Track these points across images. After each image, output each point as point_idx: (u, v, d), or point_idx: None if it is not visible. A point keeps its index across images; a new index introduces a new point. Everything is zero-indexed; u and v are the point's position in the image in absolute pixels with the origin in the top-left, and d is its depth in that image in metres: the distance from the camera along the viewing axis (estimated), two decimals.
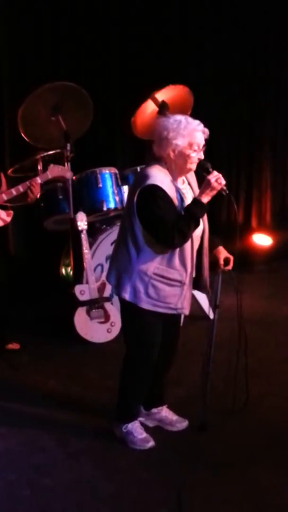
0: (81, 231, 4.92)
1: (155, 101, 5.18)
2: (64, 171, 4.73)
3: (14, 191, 4.46)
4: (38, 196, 4.68)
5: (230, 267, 3.50)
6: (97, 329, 4.88)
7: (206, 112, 6.36)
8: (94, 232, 5.22)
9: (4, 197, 4.45)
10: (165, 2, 6.20)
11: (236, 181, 6.79)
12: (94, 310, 4.89)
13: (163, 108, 5.12)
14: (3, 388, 4.26)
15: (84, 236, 4.93)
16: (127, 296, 3.33)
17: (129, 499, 3.11)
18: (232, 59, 6.51)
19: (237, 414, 3.81)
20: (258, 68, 6.64)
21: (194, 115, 5.14)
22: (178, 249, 3.27)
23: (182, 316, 5.05)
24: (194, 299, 4.57)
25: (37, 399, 4.11)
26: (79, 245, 4.97)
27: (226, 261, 3.48)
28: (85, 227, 4.94)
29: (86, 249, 4.94)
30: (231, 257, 3.51)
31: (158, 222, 3.18)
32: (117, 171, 5.20)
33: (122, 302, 3.41)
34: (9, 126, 5.50)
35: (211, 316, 5.04)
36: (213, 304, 3.65)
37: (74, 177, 5.10)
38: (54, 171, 4.63)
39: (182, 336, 4.73)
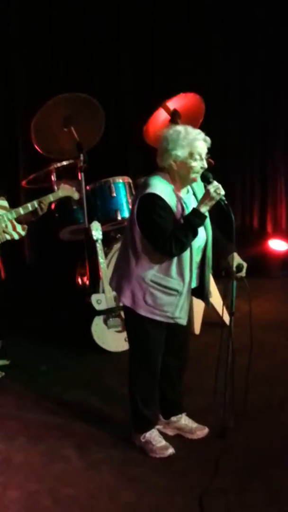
0: (96, 240, 4.94)
1: (166, 109, 5.20)
2: (73, 191, 4.74)
3: (30, 207, 4.43)
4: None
5: (243, 273, 3.48)
6: (114, 338, 4.89)
7: (218, 119, 6.40)
8: (109, 241, 5.24)
9: (21, 211, 4.42)
10: (176, 12, 6.24)
11: (251, 187, 6.79)
12: (111, 319, 4.90)
13: (175, 117, 5.14)
14: (23, 398, 4.28)
15: (99, 246, 4.95)
16: (126, 301, 3.37)
17: (150, 506, 3.09)
18: (244, 65, 6.53)
19: (258, 420, 3.80)
20: (269, 74, 6.65)
21: (207, 123, 5.23)
22: (176, 258, 3.28)
23: (197, 324, 5.11)
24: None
25: (56, 408, 4.11)
26: (94, 254, 4.99)
27: (239, 267, 3.47)
28: (100, 236, 4.96)
29: (101, 258, 4.95)
30: (244, 264, 3.48)
31: (157, 230, 3.19)
32: (130, 180, 5.22)
33: (124, 307, 3.46)
34: (22, 137, 5.54)
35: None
36: (229, 311, 3.62)
37: (88, 187, 5.13)
38: (65, 190, 4.67)
39: (201, 343, 4.78)
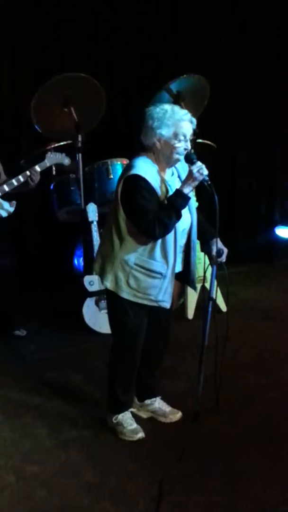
0: (92, 222, 4.92)
1: (169, 91, 5.14)
2: (62, 158, 4.70)
3: (15, 182, 4.47)
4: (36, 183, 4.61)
5: (223, 259, 3.44)
6: (105, 320, 4.82)
7: (227, 104, 6.31)
8: (105, 223, 5.20)
9: (6, 188, 4.47)
10: None
11: (258, 174, 6.70)
12: (102, 301, 4.88)
13: (178, 99, 5.08)
14: (6, 375, 4.30)
15: (94, 227, 4.93)
16: (108, 284, 3.33)
17: (111, 488, 3.08)
18: (255, 47, 6.43)
19: (234, 407, 3.76)
20: (282, 56, 6.53)
21: (214, 106, 5.17)
22: (160, 241, 3.23)
23: (190, 309, 5.08)
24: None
25: (38, 387, 4.12)
26: (89, 236, 4.98)
27: (219, 253, 3.42)
28: (96, 218, 4.94)
29: (96, 240, 4.94)
30: (225, 249, 3.45)
31: (140, 211, 3.14)
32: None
33: (106, 290, 3.40)
34: (25, 117, 5.53)
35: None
36: (207, 296, 3.58)
37: (86, 168, 5.10)
38: (52, 158, 4.64)
39: (192, 328, 4.75)
